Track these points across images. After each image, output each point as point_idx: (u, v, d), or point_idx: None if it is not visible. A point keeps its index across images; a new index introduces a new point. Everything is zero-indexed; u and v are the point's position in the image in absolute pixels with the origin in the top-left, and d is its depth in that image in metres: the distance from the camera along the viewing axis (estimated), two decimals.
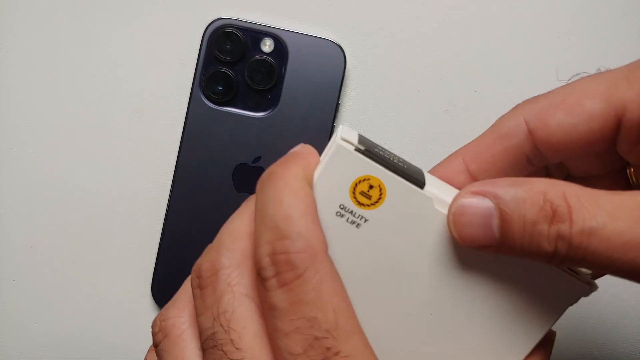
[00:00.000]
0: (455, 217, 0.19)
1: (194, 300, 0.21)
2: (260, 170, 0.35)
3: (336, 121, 0.35)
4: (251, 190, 0.35)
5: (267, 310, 0.19)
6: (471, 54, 0.35)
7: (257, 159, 0.35)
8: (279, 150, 0.35)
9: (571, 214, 0.17)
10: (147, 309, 0.36)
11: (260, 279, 0.19)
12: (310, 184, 0.20)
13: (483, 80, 0.35)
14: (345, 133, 0.20)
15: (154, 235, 0.36)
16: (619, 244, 0.17)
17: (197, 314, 0.20)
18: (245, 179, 0.35)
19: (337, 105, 0.34)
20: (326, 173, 0.20)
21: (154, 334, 0.22)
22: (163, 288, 0.35)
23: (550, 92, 0.21)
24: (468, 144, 0.22)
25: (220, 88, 0.34)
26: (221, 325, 0.19)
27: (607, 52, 0.35)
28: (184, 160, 0.35)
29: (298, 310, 0.18)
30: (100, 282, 0.36)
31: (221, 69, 0.34)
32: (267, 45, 0.34)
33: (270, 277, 0.18)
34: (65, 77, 0.36)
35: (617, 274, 0.18)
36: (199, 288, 0.21)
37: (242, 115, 0.34)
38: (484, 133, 0.22)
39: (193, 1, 0.35)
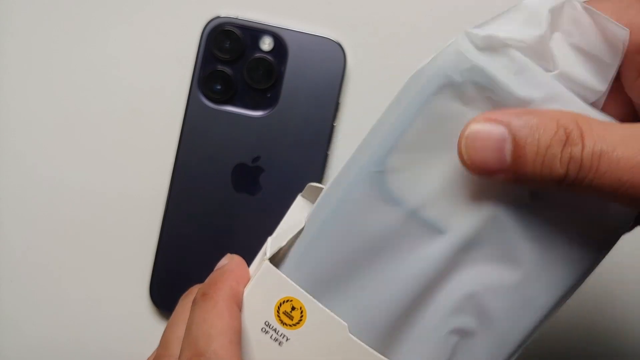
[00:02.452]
0: (467, 141, 0.19)
1: None
2: (259, 170, 0.34)
3: (336, 120, 0.34)
4: (250, 190, 0.34)
5: None
6: None
7: (256, 158, 0.34)
8: (278, 149, 0.35)
9: (583, 138, 0.18)
10: (145, 310, 0.36)
11: None
12: (239, 301, 0.22)
13: None
14: (274, 247, 0.22)
15: (152, 236, 0.35)
16: (628, 166, 0.18)
17: None
18: (244, 178, 0.34)
19: (337, 104, 0.34)
20: (254, 290, 0.22)
21: None
22: (161, 289, 0.35)
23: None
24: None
25: (219, 87, 0.34)
26: None
27: None
28: (182, 159, 0.34)
29: None
30: (98, 283, 0.36)
31: (220, 67, 0.34)
32: (267, 44, 0.34)
33: None
34: (62, 76, 0.36)
35: (623, 199, 0.18)
36: None
37: (241, 115, 0.34)
38: None
39: None
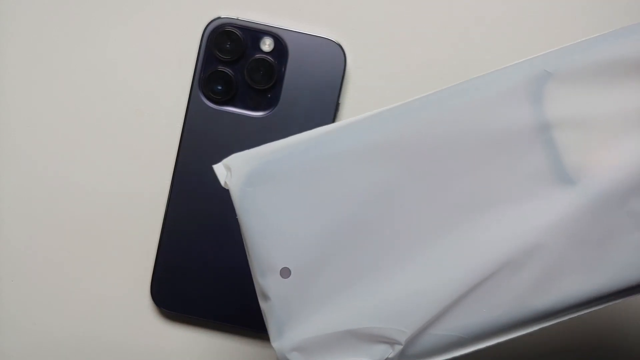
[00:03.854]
0: None
1: None
2: None
3: (336, 121, 0.34)
4: None
5: None
6: (472, 53, 0.35)
7: None
8: None
9: None
10: (146, 309, 0.36)
11: None
12: None
13: None
14: None
15: (153, 235, 0.35)
16: None
17: None
18: None
19: (337, 104, 0.34)
20: None
21: None
22: (162, 288, 0.35)
23: None
24: None
25: (219, 87, 0.34)
26: None
27: None
28: (183, 160, 0.35)
29: None
30: (99, 282, 0.36)
31: (220, 68, 0.34)
32: (267, 45, 0.34)
33: None
34: (63, 76, 0.36)
35: None
36: None
37: (241, 115, 0.34)
38: None
39: (192, 0, 0.35)
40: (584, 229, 0.20)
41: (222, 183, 0.21)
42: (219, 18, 0.34)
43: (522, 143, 0.20)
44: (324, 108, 0.34)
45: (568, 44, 0.21)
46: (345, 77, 0.34)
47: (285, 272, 0.20)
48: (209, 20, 0.34)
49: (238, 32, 0.34)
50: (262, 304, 0.21)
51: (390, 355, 0.20)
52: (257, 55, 0.34)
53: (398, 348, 0.20)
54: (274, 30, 0.34)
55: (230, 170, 0.21)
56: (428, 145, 0.20)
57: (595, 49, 0.20)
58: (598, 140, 0.20)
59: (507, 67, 0.21)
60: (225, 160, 0.21)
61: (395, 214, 0.20)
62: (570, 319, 0.21)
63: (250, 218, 0.21)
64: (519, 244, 0.20)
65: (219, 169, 0.21)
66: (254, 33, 0.34)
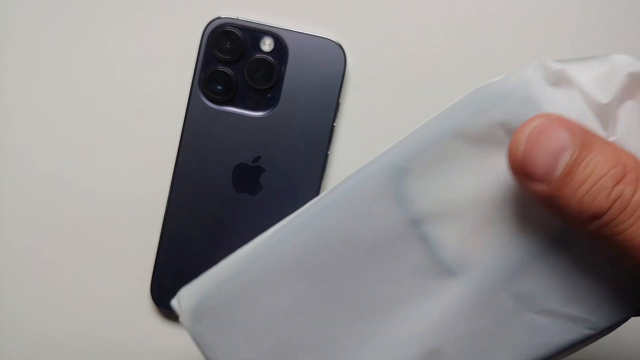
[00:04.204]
0: (533, 133, 0.18)
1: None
2: (260, 170, 0.34)
3: (336, 121, 0.34)
4: (251, 190, 0.35)
5: None
6: (472, 53, 0.35)
7: (257, 158, 0.34)
8: (278, 149, 0.35)
9: (639, 183, 0.17)
10: (146, 309, 0.36)
11: None
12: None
13: (484, 80, 0.35)
14: None
15: (153, 235, 0.35)
16: None
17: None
18: (245, 178, 0.35)
19: (337, 104, 0.34)
20: None
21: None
22: (162, 288, 0.35)
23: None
24: None
25: (219, 87, 0.34)
26: None
27: (611, 52, 0.34)
28: (183, 160, 0.35)
29: None
30: (99, 282, 0.36)
31: (221, 68, 0.34)
32: (267, 45, 0.34)
33: None
34: (63, 76, 0.36)
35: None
36: None
37: (241, 115, 0.34)
38: None
39: (192, 0, 0.35)
40: (475, 319, 0.20)
41: (180, 320, 0.23)
42: (219, 18, 0.34)
43: (399, 242, 0.20)
44: (324, 108, 0.34)
45: (416, 129, 0.21)
46: (345, 77, 0.34)
47: None
48: (209, 20, 0.34)
49: (238, 32, 0.34)
50: None
51: None
52: (257, 55, 0.34)
53: None
54: (274, 30, 0.34)
55: (181, 306, 0.23)
56: (321, 257, 0.21)
57: (439, 131, 0.20)
58: (468, 227, 0.20)
59: (368, 166, 0.21)
60: (177, 295, 0.23)
61: (312, 326, 0.21)
62: None
63: (206, 351, 0.22)
64: (415, 349, 0.20)
65: (175, 304, 0.23)
66: (254, 33, 0.34)
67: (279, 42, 0.34)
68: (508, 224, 0.20)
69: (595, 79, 0.19)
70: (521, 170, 0.18)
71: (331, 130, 0.34)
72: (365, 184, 0.21)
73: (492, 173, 0.20)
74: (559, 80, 0.19)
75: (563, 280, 0.20)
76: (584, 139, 0.18)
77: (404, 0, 0.35)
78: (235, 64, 0.34)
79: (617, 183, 0.17)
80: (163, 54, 0.35)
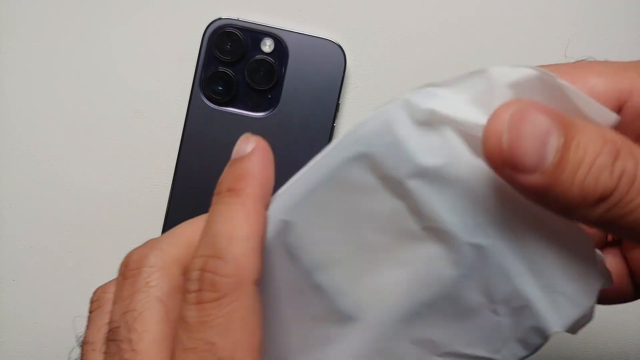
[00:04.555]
0: (513, 121, 0.16)
1: (115, 286, 0.21)
2: None
3: (336, 121, 0.35)
4: None
5: (179, 319, 0.19)
6: (472, 53, 0.35)
7: None
8: (279, 150, 0.35)
9: (635, 155, 0.16)
10: None
11: (184, 289, 0.19)
12: (267, 203, 0.20)
13: None
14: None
15: (154, 236, 0.35)
16: None
17: (113, 301, 0.20)
18: None
19: (337, 105, 0.34)
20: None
21: (91, 301, 0.22)
22: None
23: (558, 64, 0.20)
24: None
25: (220, 88, 0.34)
26: (127, 322, 0.19)
27: (610, 52, 0.35)
28: (184, 160, 0.35)
29: (202, 331, 0.18)
30: (100, 282, 0.36)
31: (221, 69, 0.34)
32: (267, 46, 0.34)
33: (192, 290, 0.18)
34: (65, 77, 0.36)
35: None
36: (122, 277, 0.21)
37: (242, 116, 0.34)
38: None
39: (193, 1, 0.35)
40: None
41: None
42: (219, 19, 0.34)
43: (300, 294, 0.20)
44: (324, 108, 0.34)
45: (295, 179, 0.21)
46: (345, 77, 0.35)
47: None
48: (210, 21, 0.34)
49: (239, 33, 0.34)
50: None
51: None
52: (258, 56, 0.34)
53: None
54: (274, 31, 0.34)
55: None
56: None
57: (313, 182, 0.20)
58: (359, 273, 0.20)
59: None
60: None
61: None
62: None
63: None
64: None
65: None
66: (255, 34, 0.34)
67: (279, 43, 0.34)
68: (395, 271, 0.19)
69: (474, 100, 0.18)
70: (509, 162, 0.16)
71: (331, 130, 0.34)
72: (268, 235, 0.20)
73: (372, 218, 0.19)
74: (428, 119, 0.18)
75: (461, 324, 0.19)
76: (564, 121, 0.16)
77: (404, 1, 0.35)
78: (236, 64, 0.34)
79: (616, 159, 0.16)
80: (164, 55, 0.35)
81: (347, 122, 0.35)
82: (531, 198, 0.17)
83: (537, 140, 0.16)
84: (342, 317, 0.20)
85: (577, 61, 0.21)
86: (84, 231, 0.36)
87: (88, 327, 0.21)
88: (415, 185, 0.18)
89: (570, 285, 0.18)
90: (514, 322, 0.19)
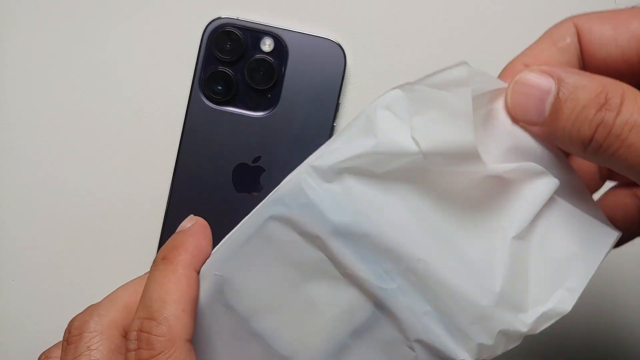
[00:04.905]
0: (515, 86, 0.20)
1: (61, 352, 0.24)
2: (260, 170, 0.35)
3: (336, 121, 0.35)
4: (251, 190, 0.35)
5: None
6: (472, 53, 0.35)
7: (257, 158, 0.34)
8: (278, 149, 0.35)
9: (622, 106, 0.18)
10: None
11: (124, 348, 0.22)
12: (198, 268, 0.22)
13: None
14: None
15: (154, 236, 0.35)
16: None
17: None
18: (245, 179, 0.35)
19: (337, 104, 0.34)
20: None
21: None
22: None
23: (604, 11, 0.22)
24: (526, 49, 0.23)
25: (220, 88, 0.34)
26: None
27: None
28: (183, 160, 0.35)
29: None
30: (99, 282, 0.36)
31: (221, 68, 0.34)
32: (267, 45, 0.34)
33: (131, 349, 0.21)
34: (64, 77, 0.36)
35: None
36: (66, 342, 0.23)
37: (241, 115, 0.34)
38: (538, 39, 0.23)
39: (193, 0, 0.35)
40: None
41: None
42: (219, 18, 0.34)
43: (240, 342, 0.23)
44: (324, 108, 0.34)
45: (226, 238, 0.23)
46: (345, 77, 0.35)
47: None
48: (209, 21, 0.34)
49: (238, 33, 0.34)
50: None
51: None
52: (257, 56, 0.34)
53: None
54: (274, 31, 0.34)
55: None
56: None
57: (240, 238, 0.23)
58: (289, 318, 0.22)
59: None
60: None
61: None
62: None
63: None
64: None
65: None
66: (254, 33, 0.34)
67: (279, 42, 0.34)
68: (323, 310, 0.22)
69: (359, 133, 0.21)
70: (517, 118, 0.20)
71: (331, 130, 0.34)
72: (203, 297, 0.23)
73: (298, 267, 0.21)
74: (333, 175, 0.21)
75: (385, 357, 0.21)
76: (561, 76, 0.19)
77: (404, 1, 0.35)
78: (236, 64, 0.34)
79: (599, 110, 0.18)
80: (163, 54, 0.35)
81: (347, 121, 0.35)
82: (544, 141, 0.20)
83: (535, 99, 0.19)
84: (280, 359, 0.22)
85: (629, 7, 0.21)
86: (83, 231, 0.36)
87: None
88: (330, 240, 0.21)
89: (470, 322, 0.20)
90: (429, 357, 0.21)
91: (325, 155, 0.21)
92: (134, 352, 0.21)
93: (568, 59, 0.22)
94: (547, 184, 0.20)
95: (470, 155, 0.19)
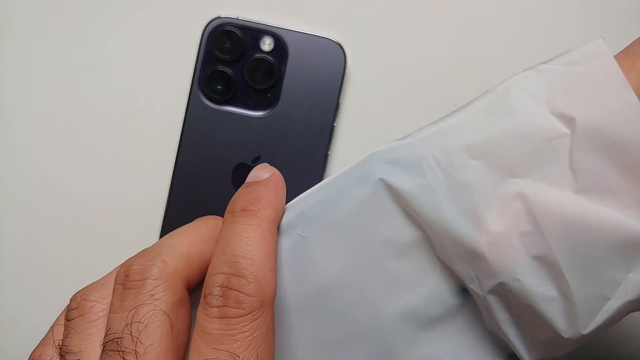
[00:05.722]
0: None
1: (113, 296, 0.21)
2: None
3: (336, 120, 0.34)
4: None
5: (198, 331, 0.19)
6: (473, 52, 0.35)
7: (257, 158, 0.34)
8: (278, 149, 0.35)
9: None
10: None
11: (203, 302, 0.20)
12: (278, 225, 0.21)
13: (485, 80, 0.35)
14: None
15: (153, 236, 0.35)
16: None
17: (111, 311, 0.21)
18: (245, 178, 0.34)
19: (337, 104, 0.34)
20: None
21: (70, 308, 0.22)
22: None
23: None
24: None
25: (219, 87, 0.34)
26: (130, 333, 0.19)
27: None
28: (183, 160, 0.35)
29: (227, 343, 0.19)
30: None
31: (220, 68, 0.34)
32: (267, 44, 0.34)
33: (215, 305, 0.19)
34: (62, 77, 0.36)
35: None
36: (123, 286, 0.21)
37: (241, 115, 0.34)
38: None
39: (192, 0, 0.35)
40: None
41: None
42: (218, 18, 0.34)
43: (305, 314, 0.22)
44: (324, 108, 0.34)
45: (311, 192, 0.22)
46: (345, 77, 0.34)
47: None
48: (209, 20, 0.34)
49: (238, 32, 0.34)
50: None
51: None
52: (257, 55, 0.34)
53: None
54: (273, 30, 0.34)
55: None
56: None
57: (329, 201, 0.22)
58: (363, 300, 0.21)
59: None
60: None
61: None
62: None
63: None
64: None
65: None
66: (254, 33, 0.34)
67: (279, 41, 0.34)
68: (394, 296, 0.21)
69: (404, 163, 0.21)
70: None
71: (331, 130, 0.34)
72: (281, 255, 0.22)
73: (387, 245, 0.21)
74: (458, 158, 0.20)
75: (479, 339, 0.21)
76: None
77: (404, 1, 0.35)
78: (235, 63, 0.34)
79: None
80: (163, 54, 0.35)
81: (348, 121, 0.35)
82: None
83: None
84: (346, 339, 0.21)
85: None
86: (82, 231, 0.36)
87: (68, 335, 0.21)
88: (435, 225, 0.19)
89: (544, 342, 0.20)
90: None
91: (449, 134, 0.20)
92: (217, 309, 0.19)
93: None
94: None
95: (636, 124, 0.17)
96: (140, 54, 0.35)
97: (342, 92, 0.35)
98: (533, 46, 0.35)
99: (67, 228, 0.36)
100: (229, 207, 0.21)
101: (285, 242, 0.21)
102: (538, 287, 0.19)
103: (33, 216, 0.36)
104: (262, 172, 0.23)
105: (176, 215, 0.35)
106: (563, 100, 0.19)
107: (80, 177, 0.36)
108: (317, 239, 0.21)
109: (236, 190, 0.35)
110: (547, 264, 0.19)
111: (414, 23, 0.35)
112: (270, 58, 0.34)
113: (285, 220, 0.21)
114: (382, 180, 0.20)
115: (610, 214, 0.18)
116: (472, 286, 0.20)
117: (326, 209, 0.21)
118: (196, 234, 0.22)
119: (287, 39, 0.34)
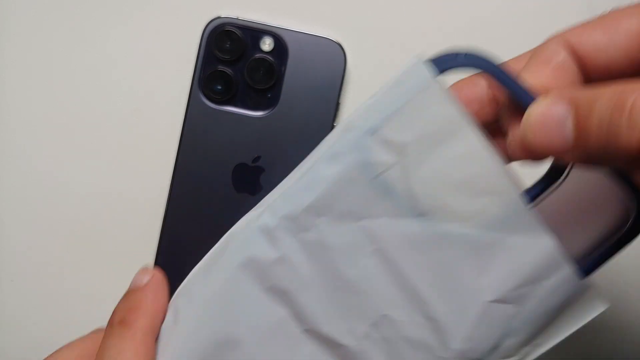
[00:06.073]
0: (531, 128, 0.19)
1: None
2: (260, 170, 0.34)
3: (336, 120, 0.34)
4: (251, 190, 0.35)
5: None
6: None
7: (257, 158, 0.34)
8: (278, 149, 0.35)
9: None
10: None
11: None
12: (156, 333, 0.21)
13: None
14: None
15: (153, 236, 0.35)
16: None
17: None
18: (245, 178, 0.34)
19: (337, 104, 0.34)
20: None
21: None
22: None
23: (588, 21, 0.22)
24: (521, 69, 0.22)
25: (219, 87, 0.34)
26: None
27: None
28: (182, 160, 0.35)
29: None
30: (98, 283, 0.36)
31: (220, 68, 0.34)
32: (267, 44, 0.34)
33: None
34: (62, 76, 0.36)
35: None
36: None
37: (241, 115, 0.34)
38: (527, 63, 0.23)
39: (192, 0, 0.35)
40: None
41: None
42: (218, 18, 0.34)
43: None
44: (324, 108, 0.34)
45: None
46: (345, 77, 0.34)
47: None
48: (209, 20, 0.34)
49: (238, 32, 0.34)
50: None
51: None
52: (257, 55, 0.34)
53: None
54: (274, 30, 0.34)
55: None
56: None
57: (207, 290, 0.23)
58: None
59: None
60: None
61: None
62: None
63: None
64: None
65: None
66: (254, 33, 0.34)
67: (279, 41, 0.34)
68: None
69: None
70: (545, 154, 0.19)
71: (331, 129, 0.34)
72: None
73: (257, 326, 0.21)
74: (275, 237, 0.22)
75: None
76: (571, 96, 0.18)
77: (404, 1, 0.35)
78: (235, 63, 0.34)
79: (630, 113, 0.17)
80: (163, 54, 0.35)
81: None
82: (580, 164, 0.20)
83: (556, 131, 0.18)
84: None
85: (606, 12, 0.21)
86: (82, 231, 0.36)
87: None
88: (297, 295, 0.21)
89: None
90: None
91: (290, 199, 0.22)
92: None
93: (566, 76, 0.21)
94: (557, 269, 0.20)
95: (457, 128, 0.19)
96: (140, 54, 0.35)
97: (342, 92, 0.35)
98: (533, 46, 0.35)
99: (67, 228, 0.36)
100: (110, 318, 0.22)
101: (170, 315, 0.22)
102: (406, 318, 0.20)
103: (33, 216, 0.36)
104: (143, 276, 0.23)
105: (176, 215, 0.35)
106: (389, 129, 0.20)
107: (80, 177, 0.36)
108: (187, 315, 0.22)
109: (236, 190, 0.35)
110: (410, 291, 0.20)
111: (414, 23, 0.35)
112: (270, 58, 0.34)
113: (175, 295, 0.22)
114: (243, 264, 0.22)
115: (454, 229, 0.20)
116: (345, 341, 0.21)
117: (201, 284, 0.23)
118: (81, 348, 0.23)
119: (287, 39, 0.34)
